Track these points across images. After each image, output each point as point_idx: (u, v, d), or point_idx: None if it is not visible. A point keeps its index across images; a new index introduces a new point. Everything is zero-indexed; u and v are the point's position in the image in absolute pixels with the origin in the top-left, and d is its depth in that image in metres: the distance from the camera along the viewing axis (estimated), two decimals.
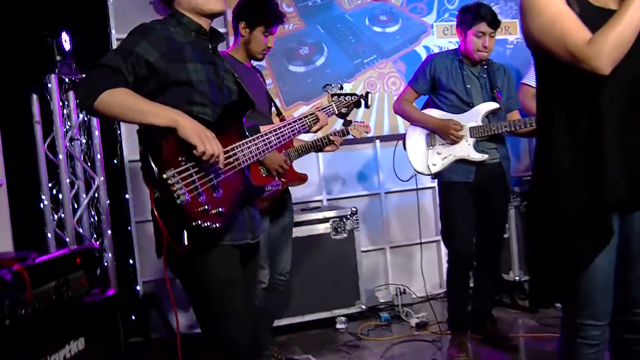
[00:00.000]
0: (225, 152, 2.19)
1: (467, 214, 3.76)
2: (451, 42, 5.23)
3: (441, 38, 5.24)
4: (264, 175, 3.34)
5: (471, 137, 3.73)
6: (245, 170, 2.30)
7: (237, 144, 2.26)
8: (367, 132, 4.05)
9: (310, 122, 2.66)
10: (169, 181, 2.02)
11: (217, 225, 2.10)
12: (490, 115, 3.76)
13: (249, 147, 2.30)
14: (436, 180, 3.93)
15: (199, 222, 2.06)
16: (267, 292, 3.47)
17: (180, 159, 2.08)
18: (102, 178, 4.14)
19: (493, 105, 3.74)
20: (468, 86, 3.76)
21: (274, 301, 3.65)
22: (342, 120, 2.92)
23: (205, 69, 2.28)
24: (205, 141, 2.07)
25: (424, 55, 5.15)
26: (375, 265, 5.28)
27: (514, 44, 5.45)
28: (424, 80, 3.85)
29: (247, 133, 2.34)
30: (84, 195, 4.17)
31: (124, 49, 2.14)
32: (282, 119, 3.58)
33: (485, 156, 3.70)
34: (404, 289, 4.98)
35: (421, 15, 5.21)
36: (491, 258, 3.93)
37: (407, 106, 3.90)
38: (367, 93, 3.01)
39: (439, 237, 5.35)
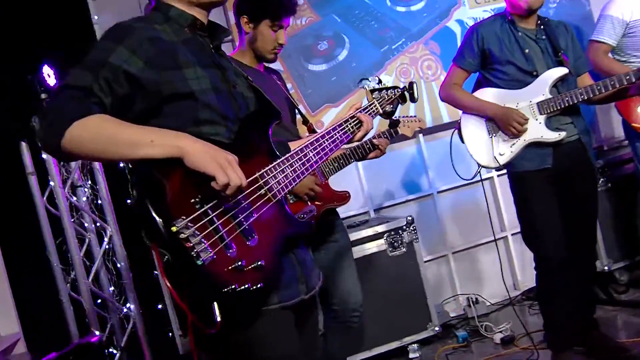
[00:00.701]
0: (253, 181, 1.58)
1: (550, 207, 3.11)
2: (486, 11, 4.58)
3: (474, 8, 4.59)
4: (291, 202, 2.73)
5: (541, 113, 3.09)
6: (283, 202, 1.69)
7: (266, 168, 1.65)
8: (421, 127, 3.35)
9: (352, 127, 2.04)
10: (182, 235, 1.41)
11: (259, 285, 1.49)
12: (559, 84, 3.11)
13: (282, 171, 1.69)
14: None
15: (233, 286, 1.44)
16: (334, 334, 2.87)
17: (192, 200, 1.47)
18: (114, 227, 3.55)
19: (561, 70, 3.09)
20: (527, 51, 3.12)
21: (344, 343, 3.03)
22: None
23: (209, 74, 1.68)
24: (227, 168, 1.46)
25: (458, 31, 4.52)
26: (438, 276, 4.63)
27: (557, 2, 4.76)
28: (472, 54, 3.22)
29: (277, 152, 1.73)
30: (98, 249, 3.59)
31: (94, 60, 1.54)
32: (309, 128, 2.97)
33: (563, 134, 3.06)
34: (476, 298, 4.32)
35: None
36: (586, 254, 3.25)
37: (456, 91, 3.27)
38: (411, 84, 2.41)
39: (505, 233, 4.69)
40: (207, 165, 1.45)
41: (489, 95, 3.21)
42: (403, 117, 3.45)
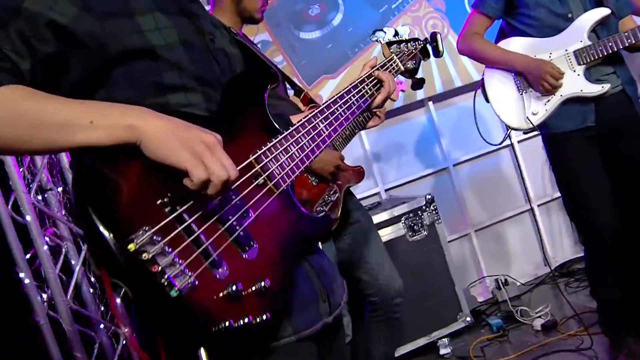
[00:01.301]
0: (247, 168, 1.12)
1: (598, 171, 2.66)
2: None
3: None
4: (314, 184, 2.27)
5: (579, 64, 2.63)
6: (290, 194, 1.22)
7: (264, 149, 1.18)
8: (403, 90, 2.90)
9: (371, 89, 1.59)
10: (144, 255, 0.94)
11: (264, 317, 1.03)
12: (598, 28, 2.64)
13: (286, 150, 1.22)
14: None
15: (227, 322, 0.99)
16: (377, 329, 2.50)
17: (160, 201, 1.01)
18: None
19: (602, 11, 2.62)
20: None
21: (391, 337, 2.62)
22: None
23: (175, 23, 1.21)
24: (206, 155, 0.99)
25: None
26: (461, 257, 4.19)
27: None
28: None
29: (277, 126, 1.26)
30: (77, 259, 3.13)
31: (2, 8, 1.07)
32: (305, 99, 2.51)
33: (606, 86, 2.60)
34: (505, 279, 3.89)
35: None
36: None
37: (478, 41, 2.80)
38: (434, 34, 2.00)
39: (531, 205, 4.24)
40: (175, 155, 0.99)
41: (516, 45, 2.74)
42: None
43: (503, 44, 2.77)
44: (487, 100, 2.81)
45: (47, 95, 1.02)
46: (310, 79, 3.77)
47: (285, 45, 3.74)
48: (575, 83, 2.62)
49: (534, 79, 2.65)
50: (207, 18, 1.34)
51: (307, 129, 1.29)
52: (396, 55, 1.81)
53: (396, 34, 1.95)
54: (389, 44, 1.88)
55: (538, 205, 4.31)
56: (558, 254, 4.29)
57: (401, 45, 1.90)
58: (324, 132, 1.33)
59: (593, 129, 2.63)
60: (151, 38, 1.15)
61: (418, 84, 1.98)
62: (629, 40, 2.56)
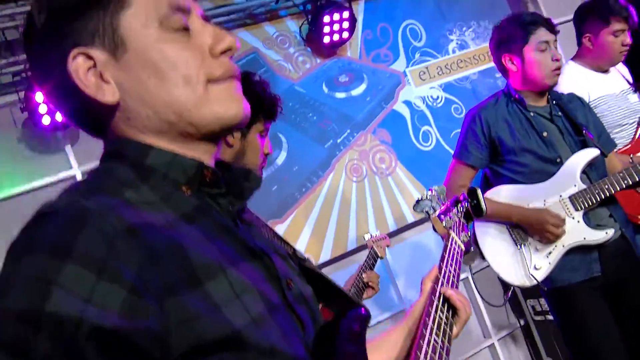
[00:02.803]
0: None
1: (610, 326, 2.43)
2: (433, 87, 3.96)
3: (421, 85, 3.96)
4: None
5: (576, 209, 2.43)
6: None
7: None
8: (388, 245, 2.94)
9: (447, 321, 1.23)
10: None
11: None
12: (587, 169, 2.47)
13: None
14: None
15: None
16: None
17: None
18: None
19: (592, 152, 2.47)
20: (545, 134, 2.47)
21: None
22: None
23: (251, 278, 0.79)
24: None
25: (407, 114, 3.85)
26: None
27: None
28: (479, 146, 2.53)
29: None
30: None
31: (11, 311, 0.61)
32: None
33: (610, 232, 2.41)
34: None
35: (388, 63, 3.91)
36: None
37: None
38: (473, 191, 1.68)
39: (491, 340, 3.94)
40: None
41: (506, 194, 2.51)
42: (371, 236, 2.83)
43: (492, 194, 2.53)
44: (483, 258, 2.52)
45: None
46: None
47: None
48: (577, 231, 2.41)
49: (535, 231, 2.41)
50: (273, 248, 0.93)
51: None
52: (453, 232, 1.47)
53: (440, 195, 1.62)
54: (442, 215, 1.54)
55: (497, 340, 4.02)
56: None
57: (451, 214, 1.57)
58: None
59: (599, 279, 2.41)
60: (233, 315, 0.72)
61: (472, 258, 1.64)
62: (625, 182, 2.41)
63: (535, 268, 2.42)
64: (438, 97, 3.96)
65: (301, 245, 3.41)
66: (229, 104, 0.83)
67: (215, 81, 0.82)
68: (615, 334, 2.39)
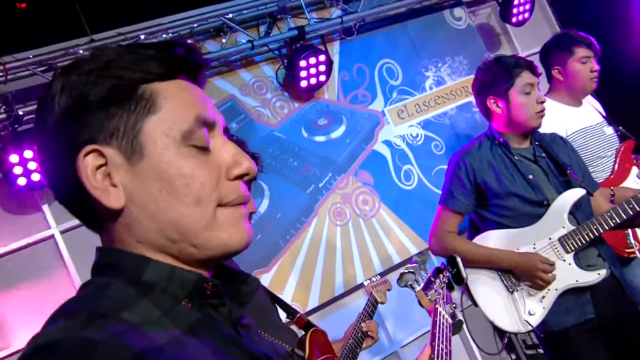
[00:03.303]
0: None
1: None
2: (412, 126, 3.95)
3: (400, 124, 3.94)
4: None
5: (567, 252, 2.41)
6: None
7: None
8: (389, 289, 2.85)
9: None
10: None
11: None
12: (574, 210, 2.46)
13: None
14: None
15: None
16: None
17: None
18: None
19: (578, 192, 2.46)
20: (530, 177, 2.45)
21: None
22: None
23: None
24: None
25: (387, 154, 3.83)
26: None
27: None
28: (464, 192, 2.51)
29: None
30: None
31: None
32: (300, 321, 2.14)
33: (602, 272, 2.39)
34: None
35: (366, 104, 3.89)
36: None
37: (455, 242, 2.54)
38: (452, 259, 1.65)
39: None
40: None
41: (495, 239, 2.48)
42: (370, 280, 2.77)
43: (480, 239, 2.50)
44: (475, 305, 2.48)
45: None
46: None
47: None
48: (569, 273, 2.39)
49: (526, 276, 2.39)
50: (268, 347, 0.90)
51: None
52: (440, 307, 1.43)
53: (420, 264, 1.59)
54: (425, 289, 1.51)
55: None
56: None
57: (434, 286, 1.53)
58: None
59: (594, 321, 2.38)
60: None
61: (458, 328, 1.59)
62: (614, 221, 2.39)
63: (530, 313, 2.39)
64: (418, 135, 3.95)
65: (288, 293, 3.34)
66: (234, 231, 0.80)
67: (225, 205, 0.79)
68: None
